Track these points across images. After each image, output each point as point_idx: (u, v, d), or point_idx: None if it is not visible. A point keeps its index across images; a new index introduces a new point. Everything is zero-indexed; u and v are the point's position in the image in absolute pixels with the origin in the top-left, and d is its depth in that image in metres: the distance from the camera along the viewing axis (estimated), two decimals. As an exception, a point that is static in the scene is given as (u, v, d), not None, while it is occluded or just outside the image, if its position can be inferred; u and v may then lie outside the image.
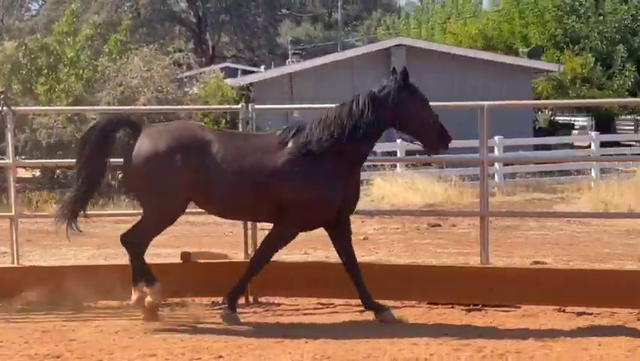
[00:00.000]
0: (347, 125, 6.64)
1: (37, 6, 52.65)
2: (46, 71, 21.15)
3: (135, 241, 6.76)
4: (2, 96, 8.44)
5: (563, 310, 7.20)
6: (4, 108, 7.55)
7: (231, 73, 30.06)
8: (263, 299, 7.71)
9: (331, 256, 10.43)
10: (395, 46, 26.45)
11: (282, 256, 10.11)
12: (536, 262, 9.64)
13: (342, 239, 7.01)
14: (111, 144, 6.92)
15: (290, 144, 6.70)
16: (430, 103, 6.89)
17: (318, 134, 6.66)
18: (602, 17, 33.00)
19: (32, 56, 21.19)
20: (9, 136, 7.60)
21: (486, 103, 7.54)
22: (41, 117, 19.53)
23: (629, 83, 31.53)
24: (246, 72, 32.66)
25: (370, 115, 6.63)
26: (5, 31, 25.81)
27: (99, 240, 11.27)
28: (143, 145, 6.70)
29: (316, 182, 6.64)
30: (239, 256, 8.05)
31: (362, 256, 10.31)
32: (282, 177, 6.62)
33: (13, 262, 7.77)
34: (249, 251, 7.77)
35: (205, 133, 6.86)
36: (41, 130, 18.59)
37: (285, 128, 6.84)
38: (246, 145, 6.82)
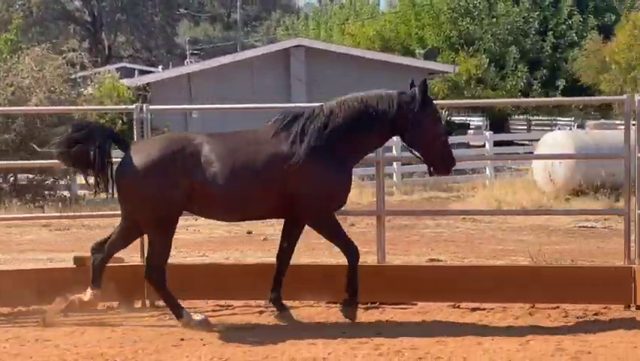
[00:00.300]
0: (360, 120, 6.55)
1: None
2: None
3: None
4: None
5: (458, 307, 7.34)
6: None
7: (128, 73, 29.63)
8: (161, 302, 7.58)
9: (230, 257, 10.41)
10: (294, 46, 26.55)
11: (180, 258, 10.02)
12: (432, 260, 9.82)
13: (295, 228, 6.98)
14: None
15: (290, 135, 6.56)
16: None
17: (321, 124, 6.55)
18: (495, 19, 33.88)
19: None
20: None
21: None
22: None
23: (522, 83, 32.48)
24: (143, 72, 32.24)
25: (391, 113, 6.54)
26: None
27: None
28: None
29: (330, 170, 6.54)
30: (135, 259, 7.90)
31: (260, 257, 10.32)
32: (296, 169, 6.50)
33: None
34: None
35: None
36: None
37: (281, 117, 6.73)
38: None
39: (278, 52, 26.50)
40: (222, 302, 7.57)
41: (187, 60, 37.46)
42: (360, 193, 18.18)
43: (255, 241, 12.25)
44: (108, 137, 6.73)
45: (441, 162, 6.72)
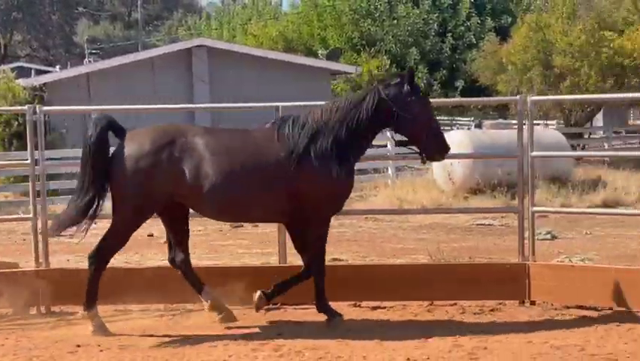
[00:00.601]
0: (347, 121, 6.53)
1: None
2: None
3: None
4: None
5: (359, 305, 7.40)
6: None
7: (25, 73, 28.86)
8: (56, 309, 7.41)
9: (131, 261, 10.23)
10: (196, 46, 26.31)
11: (79, 263, 9.80)
12: (334, 259, 9.87)
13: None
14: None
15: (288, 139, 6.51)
16: (226, 105, 6.87)
17: (313, 127, 6.52)
18: (395, 21, 34.37)
19: None
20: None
21: (281, 104, 7.62)
22: None
23: (422, 84, 33.05)
24: (40, 72, 31.43)
25: (373, 113, 6.54)
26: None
27: None
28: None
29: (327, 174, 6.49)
30: (30, 264, 7.70)
31: (162, 259, 10.17)
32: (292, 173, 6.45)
33: None
34: (40, 260, 7.45)
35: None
36: None
37: (279, 121, 6.69)
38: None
39: (179, 51, 26.20)
40: (121, 307, 7.43)
41: (86, 60, 36.70)
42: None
43: (156, 244, 12.08)
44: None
45: (434, 148, 6.72)
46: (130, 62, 25.70)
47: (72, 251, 11.12)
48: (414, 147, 6.81)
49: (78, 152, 7.07)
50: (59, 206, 16.00)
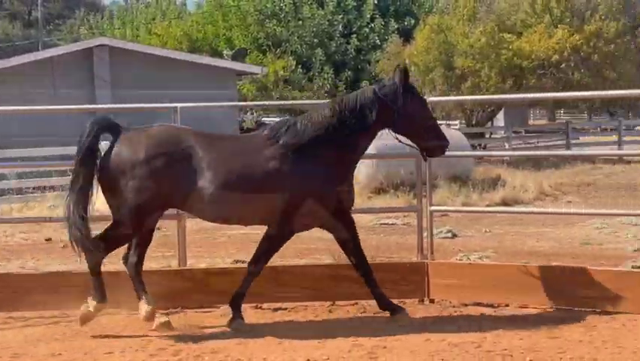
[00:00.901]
0: (344, 124, 6.48)
1: None
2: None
3: None
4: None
5: (260, 307, 7.38)
6: None
7: None
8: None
9: (27, 266, 9.95)
10: (98, 46, 25.81)
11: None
12: (237, 261, 9.81)
13: (345, 232, 6.82)
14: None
15: (282, 141, 6.44)
16: (124, 106, 6.77)
17: (311, 131, 6.46)
18: (301, 22, 34.47)
19: None
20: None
21: (179, 105, 7.54)
22: None
23: (328, 85, 33.24)
24: None
25: (371, 114, 6.49)
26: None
27: None
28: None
29: (315, 180, 6.44)
30: None
31: (60, 264, 9.94)
32: (280, 177, 6.40)
33: None
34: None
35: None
36: None
37: (274, 126, 6.60)
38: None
39: (81, 51, 25.64)
40: (16, 314, 7.22)
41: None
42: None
43: (55, 249, 11.80)
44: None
45: (434, 144, 6.72)
46: (29, 61, 25.03)
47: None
48: (414, 145, 6.82)
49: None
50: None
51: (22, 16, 58.85)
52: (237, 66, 29.25)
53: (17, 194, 18.37)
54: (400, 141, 6.83)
